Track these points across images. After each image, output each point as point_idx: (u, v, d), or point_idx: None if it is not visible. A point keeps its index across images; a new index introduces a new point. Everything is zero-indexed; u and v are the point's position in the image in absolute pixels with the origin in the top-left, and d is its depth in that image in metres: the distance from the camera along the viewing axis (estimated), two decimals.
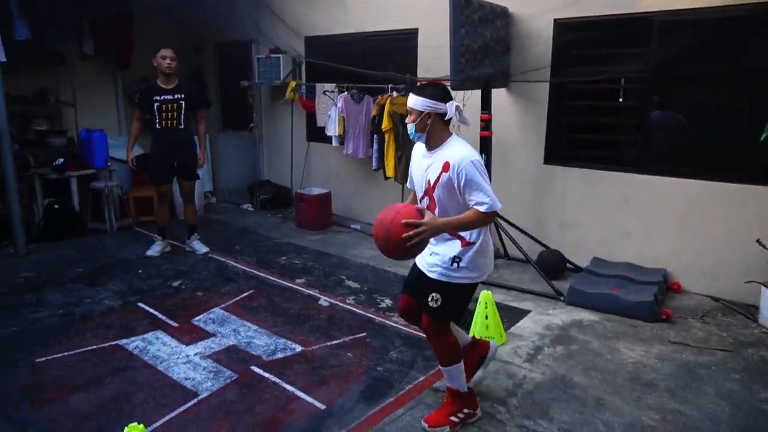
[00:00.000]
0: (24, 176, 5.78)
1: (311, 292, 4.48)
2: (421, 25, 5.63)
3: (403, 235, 2.25)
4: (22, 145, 6.10)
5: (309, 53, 6.67)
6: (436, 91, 2.45)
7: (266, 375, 3.20)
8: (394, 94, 5.53)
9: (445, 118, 2.45)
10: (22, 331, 3.74)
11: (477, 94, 4.84)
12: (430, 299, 2.56)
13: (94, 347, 3.51)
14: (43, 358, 3.36)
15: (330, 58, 6.25)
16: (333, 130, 6.00)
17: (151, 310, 4.08)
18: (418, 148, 2.63)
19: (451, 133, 2.51)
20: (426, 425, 2.68)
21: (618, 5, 4.42)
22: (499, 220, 4.96)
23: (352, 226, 6.42)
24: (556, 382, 3.12)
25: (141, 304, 4.19)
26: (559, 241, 5.00)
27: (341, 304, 4.25)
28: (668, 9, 4.22)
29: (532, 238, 5.02)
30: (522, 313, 4.06)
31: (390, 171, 5.55)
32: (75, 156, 6.32)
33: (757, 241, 3.88)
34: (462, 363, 2.68)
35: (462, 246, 2.50)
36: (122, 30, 7.05)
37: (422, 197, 2.59)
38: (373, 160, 5.72)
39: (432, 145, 2.49)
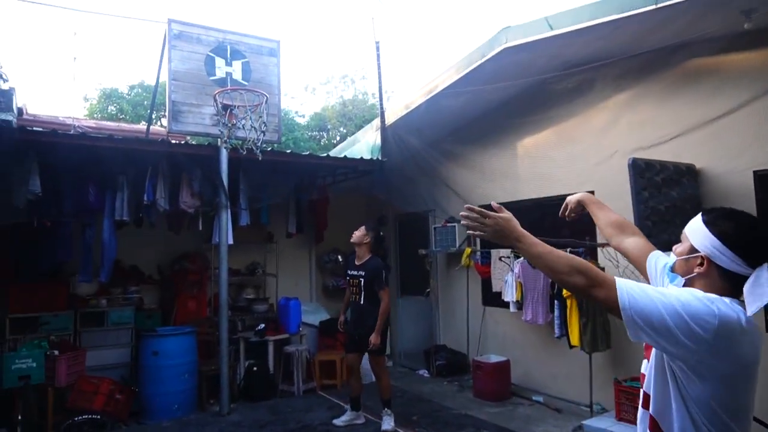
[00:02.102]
0: (232, 339, 6.56)
1: None
2: (596, 189, 5.58)
3: (461, 213, 1.71)
4: (233, 311, 7.05)
5: None
6: (738, 229, 1.50)
7: None
8: None
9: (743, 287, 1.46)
10: None
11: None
12: None
13: None
14: None
15: None
16: (510, 295, 5.93)
17: None
18: None
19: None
20: None
21: None
22: None
23: (534, 397, 5.94)
24: None
25: None
26: None
27: None
28: None
29: (763, 424, 4.12)
30: None
31: (575, 339, 5.18)
32: (274, 321, 7.06)
33: None
34: None
35: None
36: (319, 210, 8.16)
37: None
38: (555, 327, 5.43)
39: None
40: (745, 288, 1.45)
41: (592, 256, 5.41)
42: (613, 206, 5.13)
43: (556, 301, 5.40)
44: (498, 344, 6.67)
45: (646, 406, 1.61)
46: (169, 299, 7.10)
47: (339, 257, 8.63)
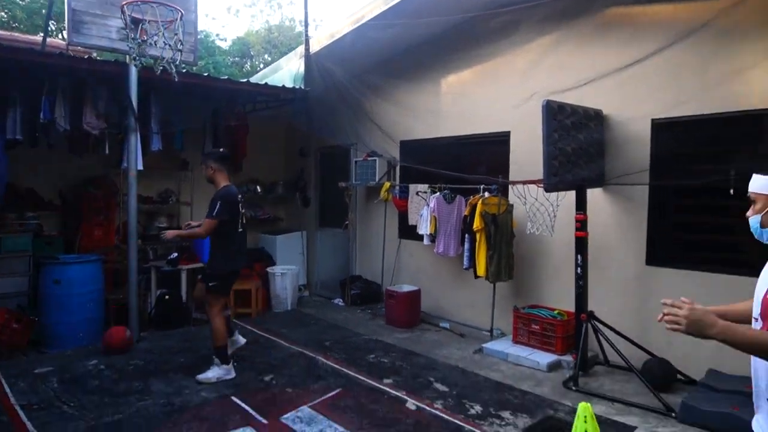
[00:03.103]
0: (143, 268, 6.37)
1: (398, 394, 4.39)
2: (513, 128, 5.79)
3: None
4: (145, 240, 6.81)
5: (403, 156, 7.02)
6: None
7: None
8: (486, 194, 5.61)
9: None
10: (127, 419, 3.93)
11: (571, 193, 4.80)
12: None
13: None
14: None
15: (423, 160, 6.55)
16: (425, 228, 6.14)
17: (243, 405, 4.17)
18: None
19: None
20: None
21: (724, 104, 4.32)
22: (597, 323, 4.70)
23: (441, 324, 6.32)
24: None
25: (234, 398, 4.30)
26: (666, 349, 4.60)
27: (429, 408, 4.11)
28: None
29: (635, 344, 4.66)
30: (627, 430, 3.70)
31: (481, 270, 5.50)
32: (188, 250, 6.90)
33: None
34: None
35: None
36: (238, 138, 7.89)
37: (755, 319, 1.85)
38: (465, 259, 5.72)
39: None
40: None
41: (503, 193, 5.67)
42: (528, 147, 5.41)
43: (466, 235, 5.67)
44: (411, 275, 6.96)
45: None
46: (73, 226, 6.72)
47: (258, 187, 8.48)
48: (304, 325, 6.50)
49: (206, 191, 7.91)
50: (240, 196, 4.93)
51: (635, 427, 3.74)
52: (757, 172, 1.98)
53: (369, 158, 7.15)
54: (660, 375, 4.36)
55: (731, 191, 4.36)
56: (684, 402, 3.85)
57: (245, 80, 7.51)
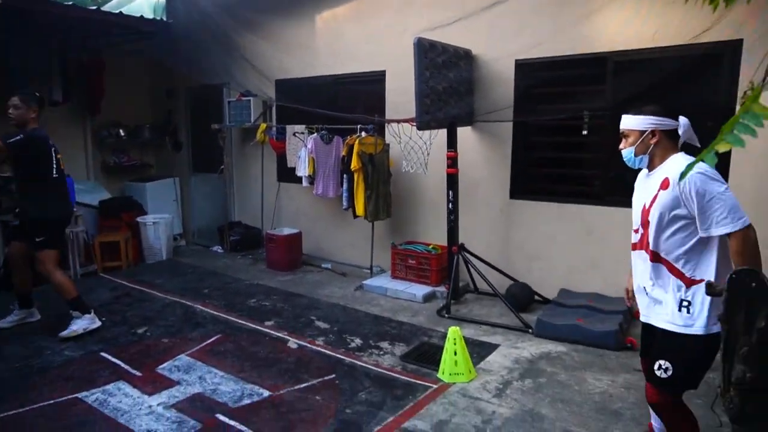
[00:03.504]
0: None
1: (280, 335, 4.42)
2: (388, 67, 5.78)
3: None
4: None
5: (279, 96, 6.77)
6: (658, 107, 2.24)
7: (232, 423, 3.11)
8: (363, 134, 5.62)
9: (679, 135, 2.25)
10: None
11: (443, 131, 4.95)
12: (656, 367, 2.23)
13: (52, 402, 3.37)
14: None
15: (299, 100, 6.36)
16: (303, 170, 6.05)
17: (114, 360, 3.96)
18: (639, 177, 2.44)
19: (678, 150, 2.27)
20: None
21: (575, 46, 4.63)
22: (467, 254, 5.02)
23: (323, 265, 6.40)
24: (525, 416, 3.10)
25: (103, 354, 4.06)
26: (526, 274, 5.06)
27: (310, 346, 4.20)
28: (619, 50, 4.44)
29: (500, 271, 5.07)
30: (491, 348, 4.06)
31: (360, 210, 5.58)
32: None
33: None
34: None
35: (688, 286, 2.17)
36: (93, 76, 7.10)
37: (636, 230, 2.36)
38: (343, 199, 5.76)
39: (653, 166, 2.29)
40: (683, 132, 2.25)
41: (380, 133, 5.72)
42: (402, 85, 5.44)
43: (345, 176, 5.68)
44: (291, 218, 6.90)
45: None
46: None
47: (121, 131, 7.76)
48: (180, 275, 6.24)
49: (59, 136, 7.09)
50: (51, 140, 4.43)
51: (499, 345, 4.12)
52: (626, 113, 2.34)
53: (243, 98, 6.80)
54: (521, 297, 4.81)
55: (584, 132, 4.78)
56: (539, 319, 4.30)
57: (95, 7, 6.68)
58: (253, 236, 7.21)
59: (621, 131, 2.35)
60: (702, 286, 2.03)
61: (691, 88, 4.30)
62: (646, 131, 2.24)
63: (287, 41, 6.53)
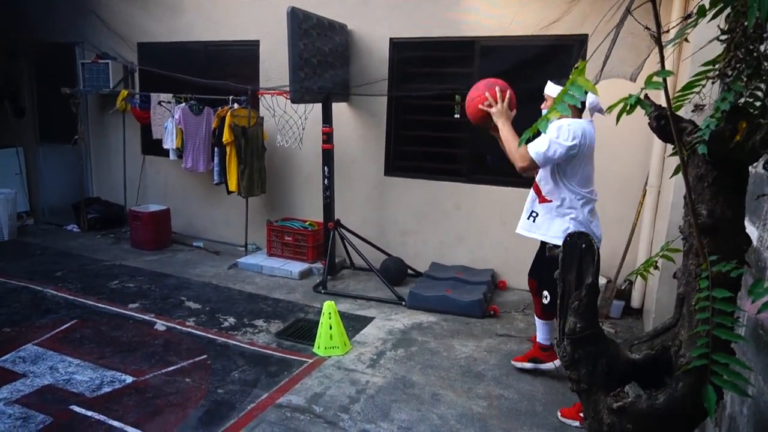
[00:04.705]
0: None
1: (146, 317, 4.16)
2: (262, 37, 5.57)
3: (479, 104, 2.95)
4: None
5: (142, 61, 6.23)
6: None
7: (89, 413, 2.89)
8: (236, 106, 5.39)
9: (586, 106, 2.90)
10: None
11: (318, 106, 4.90)
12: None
13: None
14: None
15: (166, 67, 5.89)
16: (170, 142, 5.66)
17: None
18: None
19: (581, 117, 2.90)
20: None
21: (446, 29, 4.79)
22: (343, 231, 5.07)
23: (195, 243, 6.09)
24: (397, 384, 3.24)
25: None
26: (400, 249, 5.24)
27: (180, 327, 4.00)
28: (485, 35, 4.69)
29: (375, 247, 5.19)
30: (366, 321, 4.17)
31: (233, 185, 5.38)
32: None
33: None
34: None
35: (539, 202, 2.99)
36: None
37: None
38: (215, 174, 5.50)
39: None
40: (590, 103, 2.93)
41: (253, 105, 5.52)
42: (278, 58, 5.26)
43: (216, 149, 5.43)
44: (159, 194, 6.46)
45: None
46: None
47: None
48: (27, 257, 5.59)
49: None
50: None
51: (374, 318, 4.24)
52: (551, 80, 3.01)
53: (100, 61, 6.17)
54: (394, 271, 4.97)
55: (456, 115, 5.01)
56: (411, 291, 4.49)
57: None
58: (115, 213, 6.64)
59: (545, 94, 3.04)
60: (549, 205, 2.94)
61: (546, 74, 4.66)
62: None
63: (151, 0, 6.01)
